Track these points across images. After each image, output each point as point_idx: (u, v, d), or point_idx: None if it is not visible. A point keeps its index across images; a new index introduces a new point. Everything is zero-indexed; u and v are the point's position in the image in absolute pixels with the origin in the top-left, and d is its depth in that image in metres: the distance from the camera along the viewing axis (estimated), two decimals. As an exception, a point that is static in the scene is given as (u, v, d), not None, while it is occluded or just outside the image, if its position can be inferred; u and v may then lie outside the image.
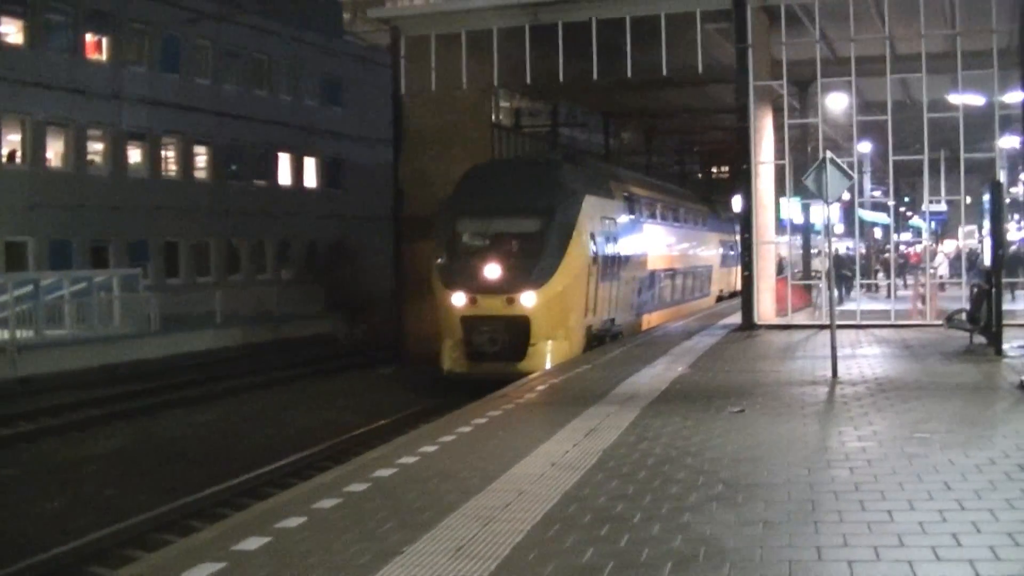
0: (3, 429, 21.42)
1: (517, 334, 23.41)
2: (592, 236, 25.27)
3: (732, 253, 43.43)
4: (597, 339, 25.72)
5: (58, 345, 28.72)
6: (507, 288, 23.45)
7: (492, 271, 23.55)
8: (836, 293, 35.85)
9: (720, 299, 42.76)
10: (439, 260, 24.68)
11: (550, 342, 23.50)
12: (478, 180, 26.13)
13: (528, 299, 23.34)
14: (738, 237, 32.70)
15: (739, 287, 30.68)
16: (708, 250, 41.38)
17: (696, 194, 47.12)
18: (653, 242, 31.51)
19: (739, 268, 30.19)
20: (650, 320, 30.96)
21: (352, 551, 7.74)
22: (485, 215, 24.87)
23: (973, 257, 33.73)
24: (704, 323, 29.19)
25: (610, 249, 26.68)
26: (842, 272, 32.24)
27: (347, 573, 7.20)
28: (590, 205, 25.47)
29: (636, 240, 29.48)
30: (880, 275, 41.30)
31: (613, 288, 26.93)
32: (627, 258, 28.24)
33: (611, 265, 26.71)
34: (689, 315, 33.31)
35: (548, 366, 22.33)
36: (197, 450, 19.64)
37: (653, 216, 32.41)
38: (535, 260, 23.73)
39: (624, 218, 28.55)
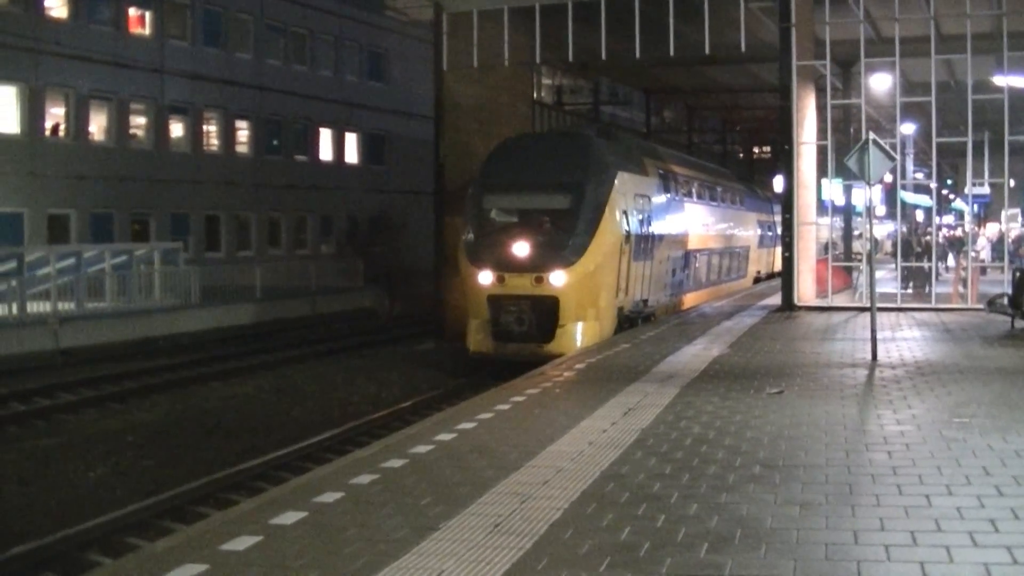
0: (44, 400, 21.66)
1: (545, 314, 22.73)
2: (624, 214, 24.50)
3: (770, 234, 42.98)
4: (629, 320, 25.05)
5: (99, 317, 28.93)
6: (535, 266, 22.69)
7: (520, 249, 22.79)
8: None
9: (757, 280, 42.25)
10: (466, 237, 24.03)
11: (580, 323, 22.82)
12: (507, 155, 25.37)
13: (557, 278, 22.60)
14: (777, 217, 32.45)
15: (777, 268, 30.44)
16: (745, 230, 40.87)
17: (734, 173, 46.71)
18: (688, 221, 30.93)
19: (777, 249, 30.01)
20: (685, 301, 30.46)
21: (389, 526, 7.77)
22: (513, 191, 24.15)
23: (1019, 241, 33.37)
24: (742, 304, 29.00)
25: (643, 227, 25.94)
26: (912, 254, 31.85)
27: (384, 548, 7.23)
28: (623, 182, 24.71)
29: (670, 219, 28.85)
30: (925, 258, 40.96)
31: (646, 268, 26.25)
32: (661, 237, 27.50)
33: (644, 244, 25.99)
34: (725, 296, 32.83)
35: (577, 348, 21.73)
36: (235, 423, 19.78)
37: (689, 194, 31.80)
38: (565, 238, 22.96)
39: (658, 196, 27.84)
